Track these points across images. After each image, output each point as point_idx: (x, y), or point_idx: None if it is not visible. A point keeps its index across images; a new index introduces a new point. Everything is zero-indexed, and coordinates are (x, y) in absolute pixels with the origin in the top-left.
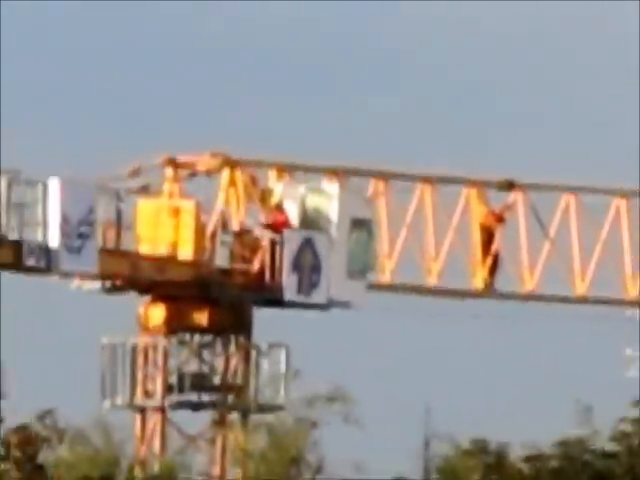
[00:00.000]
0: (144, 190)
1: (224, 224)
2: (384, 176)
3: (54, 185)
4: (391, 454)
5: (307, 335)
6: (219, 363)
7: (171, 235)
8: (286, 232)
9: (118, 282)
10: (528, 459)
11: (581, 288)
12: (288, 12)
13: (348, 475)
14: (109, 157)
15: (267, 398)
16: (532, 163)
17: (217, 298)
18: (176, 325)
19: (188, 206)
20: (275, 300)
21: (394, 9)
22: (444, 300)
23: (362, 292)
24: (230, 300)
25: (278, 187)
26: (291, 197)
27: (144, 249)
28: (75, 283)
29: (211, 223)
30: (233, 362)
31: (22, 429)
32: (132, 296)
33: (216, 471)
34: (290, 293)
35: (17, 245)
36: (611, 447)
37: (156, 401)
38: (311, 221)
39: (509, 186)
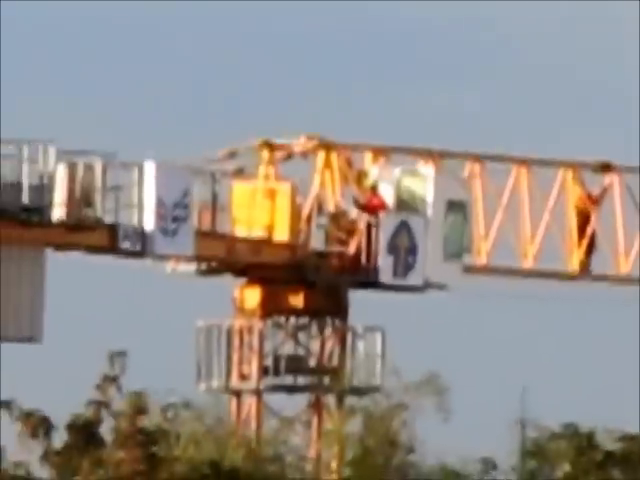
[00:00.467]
0: (240, 173)
1: (320, 206)
2: (479, 158)
3: (149, 168)
4: (486, 437)
5: (403, 317)
6: (315, 346)
7: (267, 218)
8: (382, 215)
9: (213, 264)
10: (619, 440)
11: None
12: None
13: (440, 457)
14: (205, 140)
15: (363, 381)
16: (628, 145)
17: (313, 281)
18: (272, 308)
19: (284, 188)
20: (371, 282)
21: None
22: (539, 282)
23: (458, 274)
24: (326, 283)
25: (373, 170)
26: (386, 180)
27: (239, 232)
28: (170, 266)
29: (307, 205)
30: (329, 345)
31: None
32: (227, 279)
33: (312, 454)
34: (386, 275)
35: (112, 228)
36: None
37: (252, 384)
38: (407, 203)
39: (605, 168)
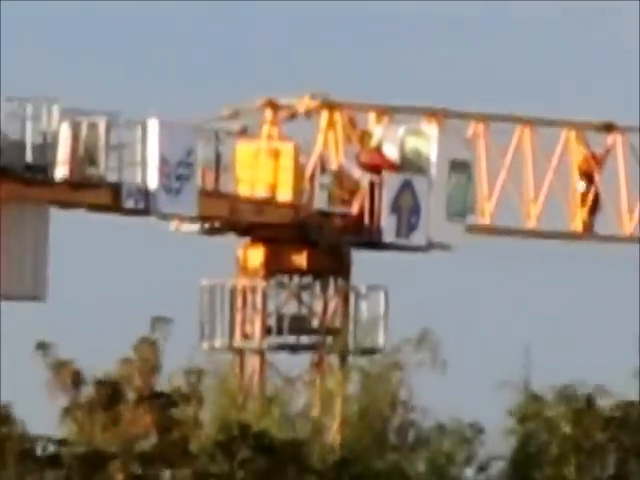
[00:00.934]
0: (243, 132)
1: (323, 166)
2: (483, 118)
3: (153, 126)
4: (487, 397)
5: (406, 277)
6: (318, 305)
7: (270, 177)
8: (385, 174)
9: (217, 224)
10: (618, 406)
11: None
12: None
13: (440, 416)
14: (208, 99)
15: (366, 341)
16: (631, 105)
17: (316, 240)
18: (275, 267)
19: (287, 148)
20: (374, 242)
21: None
22: (543, 242)
23: (461, 234)
24: (329, 242)
25: (377, 129)
26: (390, 139)
27: (243, 191)
28: (174, 225)
29: (310, 165)
30: (332, 305)
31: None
32: (231, 238)
33: (315, 413)
34: (389, 235)
35: (116, 187)
36: None
37: (255, 343)
38: (411, 163)
39: (608, 128)
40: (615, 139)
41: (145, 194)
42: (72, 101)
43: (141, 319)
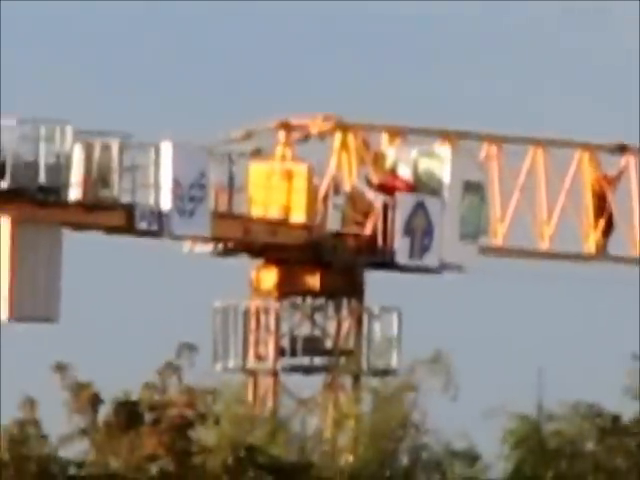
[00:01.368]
0: (256, 153)
1: (336, 187)
2: (496, 139)
3: (166, 148)
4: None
5: (419, 299)
6: (331, 326)
7: (283, 198)
8: (398, 195)
9: (230, 245)
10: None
11: None
12: None
13: (452, 438)
14: (222, 121)
15: (379, 362)
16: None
17: (329, 261)
18: (288, 288)
19: (300, 169)
20: (387, 263)
21: None
22: (556, 264)
23: (474, 255)
24: (342, 263)
25: (390, 151)
26: (403, 160)
27: (256, 212)
28: (187, 246)
29: (323, 186)
30: (345, 326)
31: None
32: (244, 259)
33: (328, 434)
34: (402, 256)
35: (129, 208)
36: None
37: (268, 364)
38: (424, 184)
39: (621, 149)
40: (628, 160)
41: (158, 216)
42: (86, 123)
43: (154, 340)
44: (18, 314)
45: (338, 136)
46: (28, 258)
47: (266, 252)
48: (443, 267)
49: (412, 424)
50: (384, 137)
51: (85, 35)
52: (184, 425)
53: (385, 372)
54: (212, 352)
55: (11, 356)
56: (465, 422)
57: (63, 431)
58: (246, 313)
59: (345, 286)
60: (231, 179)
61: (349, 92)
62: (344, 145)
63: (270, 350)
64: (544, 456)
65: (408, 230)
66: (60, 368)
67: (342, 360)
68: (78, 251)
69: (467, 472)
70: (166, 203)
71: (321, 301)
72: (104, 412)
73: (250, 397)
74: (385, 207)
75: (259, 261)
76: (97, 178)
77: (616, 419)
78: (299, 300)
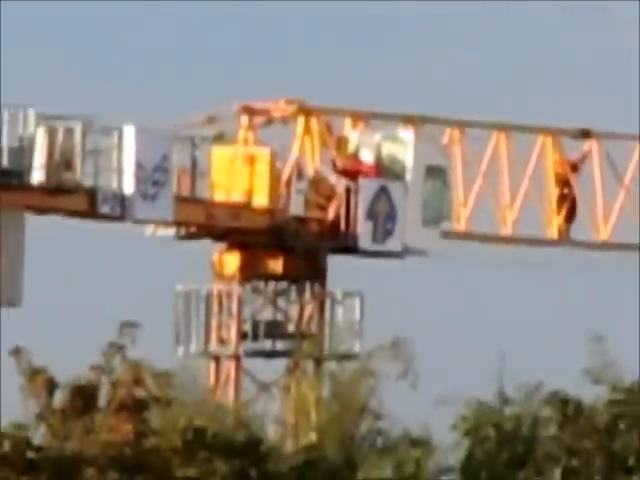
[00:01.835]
0: (219, 137)
1: (299, 172)
2: (459, 124)
3: (129, 132)
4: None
5: (382, 283)
6: (294, 311)
7: (246, 183)
8: (361, 180)
9: (192, 229)
10: (607, 406)
11: None
12: None
13: (410, 424)
14: (184, 104)
15: (341, 347)
16: (607, 112)
17: (292, 246)
18: (251, 272)
19: (263, 153)
20: (350, 248)
21: None
22: (519, 249)
23: (437, 240)
24: (305, 248)
25: (353, 135)
26: (366, 145)
27: (219, 196)
28: (149, 230)
29: (286, 171)
30: (308, 310)
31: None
32: (207, 243)
33: (290, 419)
34: (365, 241)
35: (92, 192)
36: None
37: (230, 349)
38: (387, 169)
39: (584, 134)
40: (591, 146)
41: (121, 200)
42: (48, 107)
43: (116, 324)
44: None
45: (301, 120)
46: None
47: (229, 236)
48: (406, 252)
49: (369, 410)
50: (347, 121)
51: (47, 18)
52: (138, 407)
53: (347, 357)
54: (174, 336)
55: None
56: (426, 408)
57: (19, 416)
58: (208, 297)
59: (308, 270)
60: (194, 163)
61: (313, 76)
62: (307, 129)
63: (232, 334)
64: (500, 441)
65: (371, 215)
66: (16, 352)
67: (304, 344)
68: (41, 235)
69: (422, 458)
70: (129, 187)
71: (284, 285)
72: (59, 397)
73: (212, 381)
74: (348, 191)
75: (222, 245)
76: (60, 162)
77: (579, 405)
78: (262, 284)
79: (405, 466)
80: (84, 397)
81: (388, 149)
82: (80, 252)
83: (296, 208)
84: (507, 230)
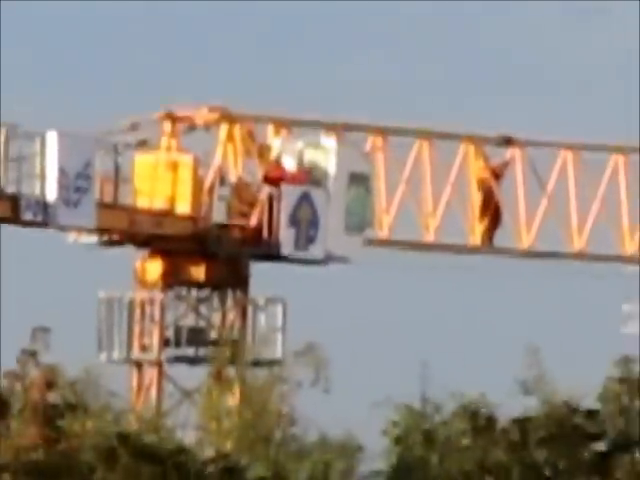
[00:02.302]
0: (142, 144)
1: (222, 179)
2: (382, 131)
3: (52, 138)
4: (386, 411)
5: (305, 290)
6: (216, 317)
7: (169, 189)
8: (283, 186)
9: (115, 236)
10: (515, 422)
11: (579, 244)
12: None
13: (330, 430)
14: (107, 111)
15: (263, 353)
16: (530, 119)
17: (214, 253)
18: (173, 279)
19: (186, 160)
20: (272, 255)
21: None
22: (441, 256)
23: (359, 247)
24: (227, 255)
25: (276, 142)
26: (289, 152)
27: (141, 203)
28: (72, 237)
29: (209, 178)
30: (230, 317)
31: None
32: (129, 250)
33: (212, 425)
34: (287, 248)
35: (14, 199)
36: (597, 406)
37: (153, 355)
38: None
39: (507, 142)
40: (514, 153)
41: (44, 206)
42: None
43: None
44: None
45: (224, 127)
46: None
47: (151, 243)
48: (328, 258)
49: (282, 415)
50: (270, 128)
51: None
52: (50, 412)
53: (270, 363)
54: (96, 342)
55: None
56: (349, 414)
57: None
58: (131, 304)
59: (230, 277)
60: (117, 170)
61: (236, 83)
62: (230, 136)
63: (155, 341)
64: (429, 447)
65: (293, 221)
66: None
67: (227, 351)
68: None
69: (347, 464)
70: (52, 193)
71: (206, 292)
72: None
73: (134, 387)
74: (270, 198)
75: (144, 252)
76: None
77: (491, 419)
78: (184, 291)
79: (316, 469)
80: None
81: (310, 156)
82: (3, 258)
83: (218, 215)
84: (430, 237)
